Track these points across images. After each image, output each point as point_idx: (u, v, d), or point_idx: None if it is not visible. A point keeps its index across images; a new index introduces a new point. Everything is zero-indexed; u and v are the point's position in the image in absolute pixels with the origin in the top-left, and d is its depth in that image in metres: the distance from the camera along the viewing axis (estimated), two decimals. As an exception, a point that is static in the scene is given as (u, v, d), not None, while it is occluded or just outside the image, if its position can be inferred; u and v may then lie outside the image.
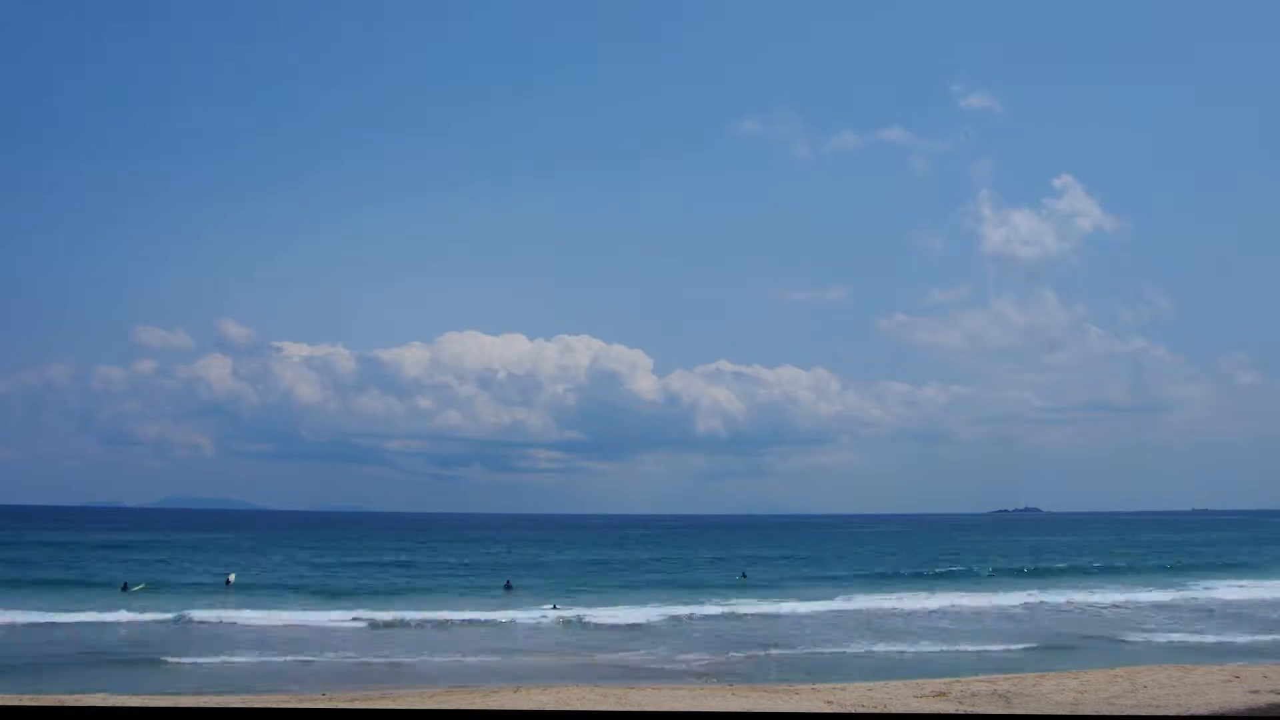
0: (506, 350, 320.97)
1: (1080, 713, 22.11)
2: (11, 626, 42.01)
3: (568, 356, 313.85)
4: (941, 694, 24.66)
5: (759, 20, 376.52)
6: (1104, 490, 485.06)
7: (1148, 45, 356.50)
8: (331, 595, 57.58)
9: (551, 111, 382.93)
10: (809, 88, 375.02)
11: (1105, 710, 22.22)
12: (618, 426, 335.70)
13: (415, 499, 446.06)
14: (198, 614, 45.62)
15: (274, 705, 21.04)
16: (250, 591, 58.88)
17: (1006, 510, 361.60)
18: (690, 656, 35.70)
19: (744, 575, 73.03)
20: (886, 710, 22.82)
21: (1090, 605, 53.21)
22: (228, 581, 61.95)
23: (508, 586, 62.14)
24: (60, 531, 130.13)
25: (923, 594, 58.01)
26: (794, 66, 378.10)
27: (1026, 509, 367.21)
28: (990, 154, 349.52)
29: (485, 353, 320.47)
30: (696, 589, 61.15)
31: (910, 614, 49.75)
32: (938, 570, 78.15)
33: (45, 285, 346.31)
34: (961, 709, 22.53)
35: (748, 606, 51.36)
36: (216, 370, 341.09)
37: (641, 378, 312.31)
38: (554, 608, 49.29)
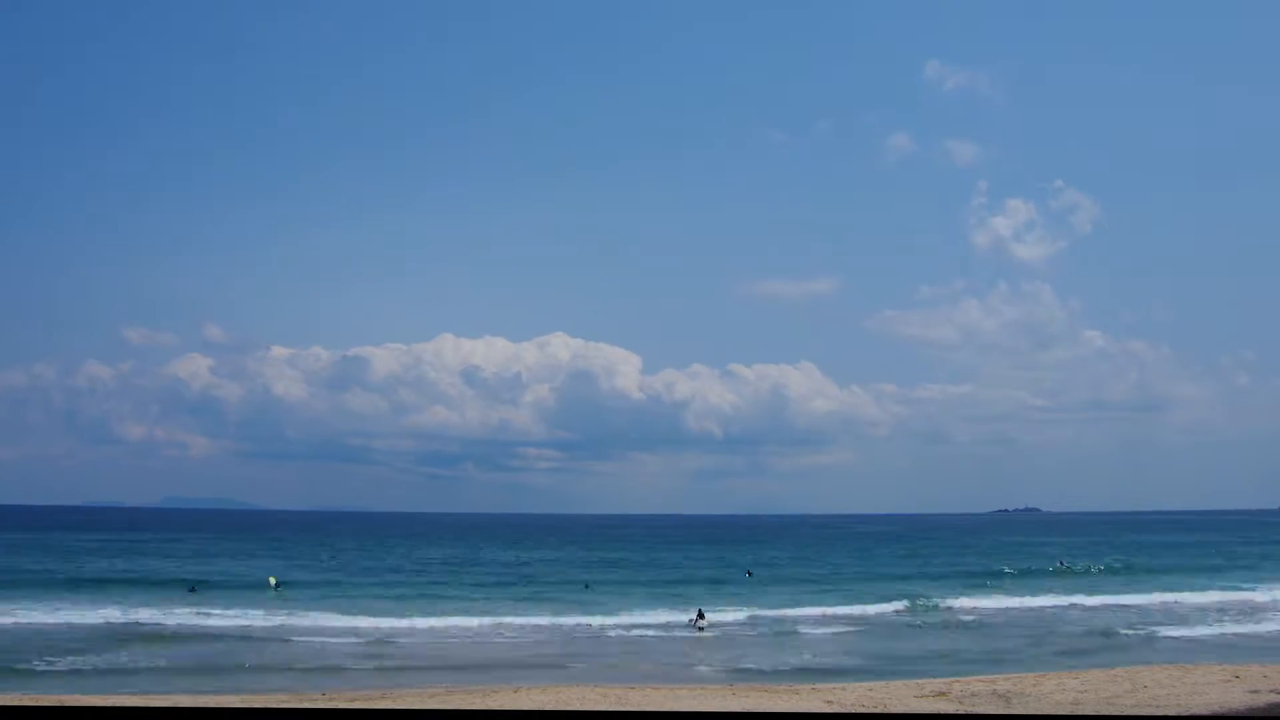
0: (500, 351, 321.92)
1: (1080, 713, 22.10)
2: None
3: (560, 357, 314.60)
4: (942, 694, 24.65)
5: (733, 12, 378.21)
6: (1104, 490, 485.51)
7: (1147, 38, 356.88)
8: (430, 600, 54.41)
9: (534, 115, 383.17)
10: (793, 78, 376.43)
11: (1105, 710, 22.21)
12: (611, 426, 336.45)
13: (414, 499, 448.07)
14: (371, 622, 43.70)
15: (274, 705, 21.06)
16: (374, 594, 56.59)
17: (1006, 510, 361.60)
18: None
19: (750, 574, 73.67)
20: (886, 710, 22.82)
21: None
22: (274, 585, 59.82)
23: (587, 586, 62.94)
24: (89, 532, 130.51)
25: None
26: (774, 57, 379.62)
27: (1026, 509, 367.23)
28: (983, 144, 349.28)
29: (479, 354, 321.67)
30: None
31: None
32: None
33: (39, 288, 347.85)
34: (961, 709, 22.53)
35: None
36: (214, 372, 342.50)
37: (635, 377, 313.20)
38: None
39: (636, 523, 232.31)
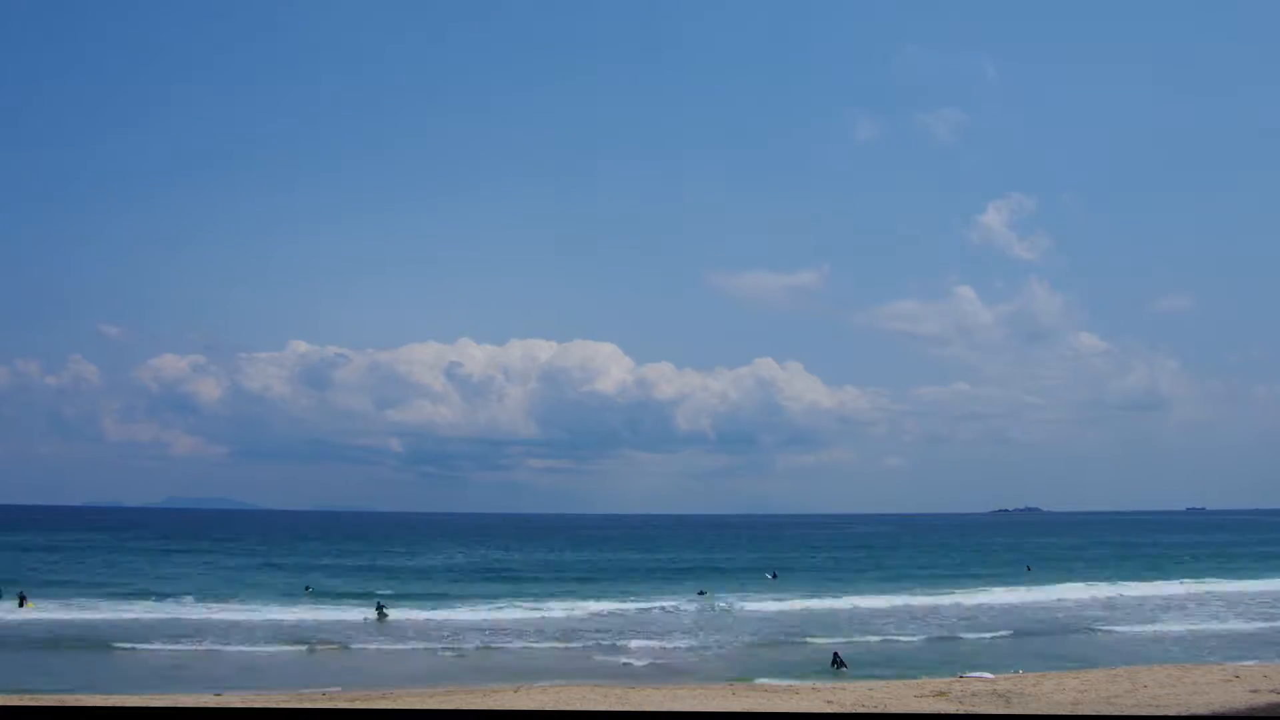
0: (493, 352, 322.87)
1: (1080, 713, 22.09)
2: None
3: (555, 356, 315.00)
4: (941, 694, 24.65)
5: (711, 10, 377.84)
6: (1104, 490, 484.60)
7: (1151, 37, 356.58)
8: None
9: (517, 118, 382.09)
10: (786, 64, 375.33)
11: (1105, 710, 22.20)
12: (605, 425, 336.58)
13: (412, 498, 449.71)
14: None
15: (274, 705, 21.04)
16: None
17: (1006, 510, 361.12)
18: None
19: (774, 575, 73.82)
20: (886, 710, 22.82)
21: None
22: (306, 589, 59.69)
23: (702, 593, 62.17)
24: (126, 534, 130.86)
25: None
26: (757, 50, 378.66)
27: (1026, 509, 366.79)
28: (981, 137, 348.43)
29: (472, 354, 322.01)
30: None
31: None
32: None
33: (29, 286, 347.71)
34: (961, 709, 22.52)
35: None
36: (213, 374, 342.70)
37: (627, 375, 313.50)
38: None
39: (654, 522, 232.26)
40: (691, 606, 52.35)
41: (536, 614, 49.16)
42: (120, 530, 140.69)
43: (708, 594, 60.28)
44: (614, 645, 39.06)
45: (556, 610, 50.10)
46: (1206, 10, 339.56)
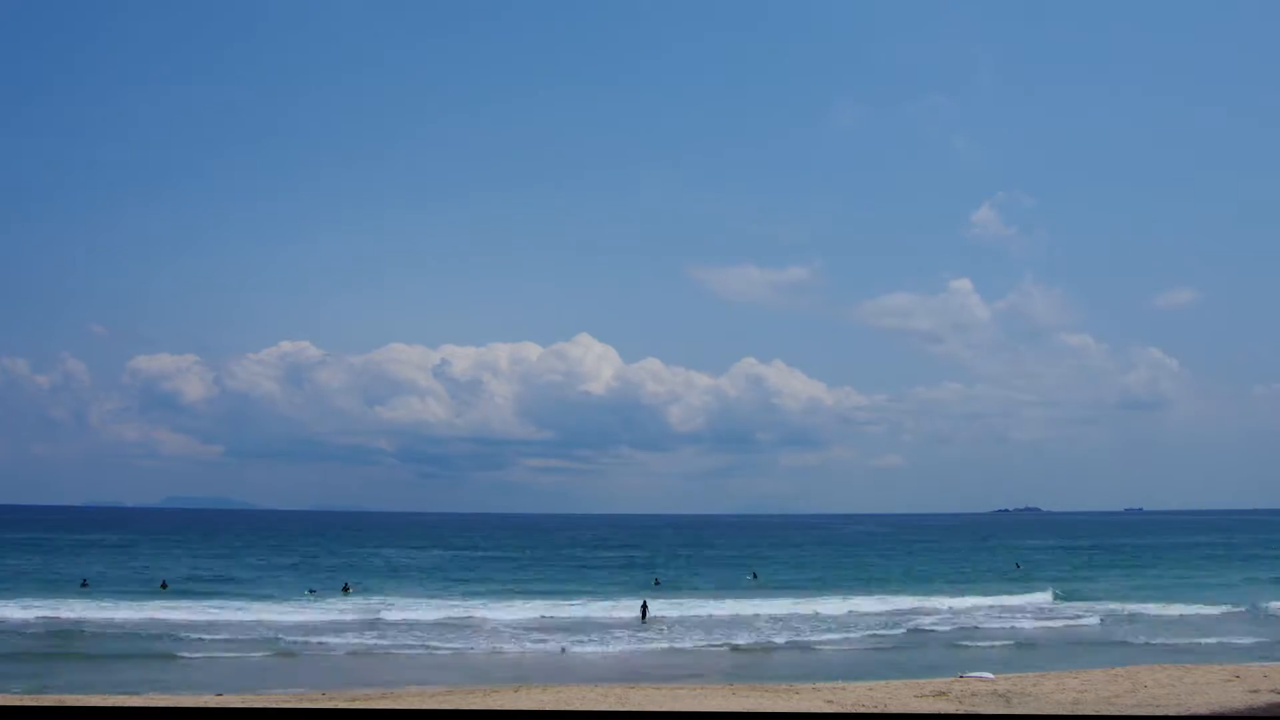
0: (492, 354, 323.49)
1: (1080, 713, 22.09)
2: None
3: (547, 356, 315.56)
4: (941, 694, 24.66)
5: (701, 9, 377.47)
6: (1104, 490, 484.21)
7: (1150, 45, 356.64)
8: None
9: (505, 120, 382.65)
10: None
11: (1105, 710, 22.20)
12: (604, 426, 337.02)
13: (411, 498, 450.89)
14: None
15: (274, 705, 21.04)
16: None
17: (1007, 510, 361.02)
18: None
19: (754, 575, 74.09)
20: (886, 710, 22.82)
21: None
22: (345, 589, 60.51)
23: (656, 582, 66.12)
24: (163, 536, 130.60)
25: None
26: (745, 46, 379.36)
27: (1027, 508, 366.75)
28: (980, 135, 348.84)
29: (471, 356, 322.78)
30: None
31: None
32: None
33: (21, 285, 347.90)
34: (961, 709, 22.53)
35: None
36: (212, 375, 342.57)
37: (624, 376, 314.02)
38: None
39: (651, 522, 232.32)
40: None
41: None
42: (153, 529, 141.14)
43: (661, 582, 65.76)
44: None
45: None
46: (1207, 7, 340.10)
